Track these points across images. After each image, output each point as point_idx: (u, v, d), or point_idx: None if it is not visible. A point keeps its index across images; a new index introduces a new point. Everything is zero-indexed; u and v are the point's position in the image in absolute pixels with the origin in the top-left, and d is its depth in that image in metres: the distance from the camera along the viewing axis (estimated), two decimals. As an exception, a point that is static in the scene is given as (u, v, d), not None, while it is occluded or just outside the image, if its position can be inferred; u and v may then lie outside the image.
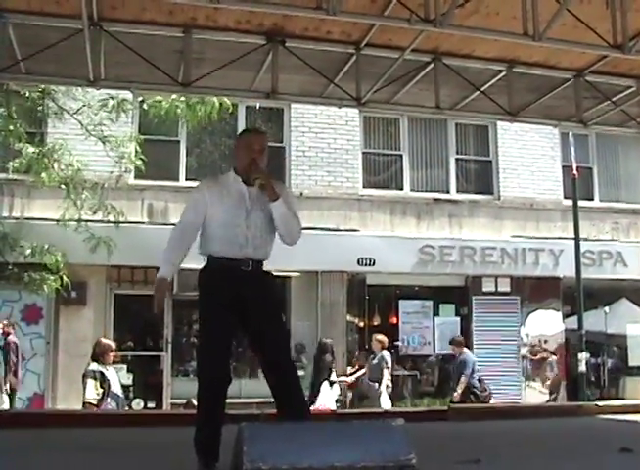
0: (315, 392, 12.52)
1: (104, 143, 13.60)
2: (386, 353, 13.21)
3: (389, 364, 13.18)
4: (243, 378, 15.75)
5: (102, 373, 9.55)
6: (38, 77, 9.68)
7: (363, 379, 13.98)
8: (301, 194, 16.12)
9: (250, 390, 15.06)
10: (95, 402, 9.34)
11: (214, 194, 4.89)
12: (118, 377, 10.52)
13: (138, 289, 15.43)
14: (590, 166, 18.43)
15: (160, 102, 12.95)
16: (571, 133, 16.18)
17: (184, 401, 13.14)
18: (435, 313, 16.88)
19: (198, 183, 5.33)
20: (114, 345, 10.37)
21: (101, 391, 9.42)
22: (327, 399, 12.65)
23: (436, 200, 17.20)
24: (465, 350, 13.76)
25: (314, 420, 4.59)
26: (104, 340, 10.51)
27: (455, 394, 13.04)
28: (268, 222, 4.85)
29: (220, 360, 4.66)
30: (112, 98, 13.06)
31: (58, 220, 13.45)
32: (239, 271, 4.73)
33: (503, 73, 9.80)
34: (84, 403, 9.37)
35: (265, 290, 4.85)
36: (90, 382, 9.43)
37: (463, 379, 13.08)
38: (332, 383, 12.95)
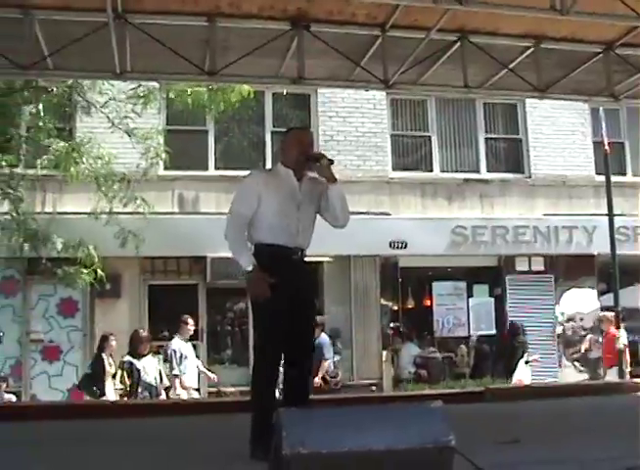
0: (512, 371, 13.63)
1: (130, 136, 13.65)
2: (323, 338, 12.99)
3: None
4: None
5: (131, 364, 9.68)
6: (66, 72, 9.72)
7: None
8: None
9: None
10: (121, 392, 9.49)
11: (268, 185, 5.10)
12: (160, 367, 10.67)
13: (171, 279, 15.55)
14: (622, 141, 18.21)
15: (186, 91, 12.99)
16: (601, 108, 15.98)
17: (217, 390, 13.22)
18: (469, 294, 16.82)
19: (248, 174, 5.47)
20: (146, 335, 10.49)
21: (129, 381, 9.55)
22: (524, 376, 13.55)
23: (467, 180, 17.09)
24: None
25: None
26: (138, 331, 10.66)
27: None
28: (313, 214, 5.21)
29: (279, 347, 4.90)
30: (140, 86, 13.07)
31: (89, 214, 13.53)
32: (290, 259, 4.99)
33: (531, 50, 9.67)
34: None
35: (309, 277, 5.28)
36: (117, 373, 9.60)
37: None
38: (527, 362, 13.91)
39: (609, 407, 7.76)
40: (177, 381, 11.21)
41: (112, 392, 10.56)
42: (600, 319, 14.21)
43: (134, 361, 9.81)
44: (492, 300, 17.04)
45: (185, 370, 11.45)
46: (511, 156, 17.88)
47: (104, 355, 10.97)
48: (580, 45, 9.75)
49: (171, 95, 13.60)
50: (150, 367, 10.16)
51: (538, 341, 16.82)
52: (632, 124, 18.37)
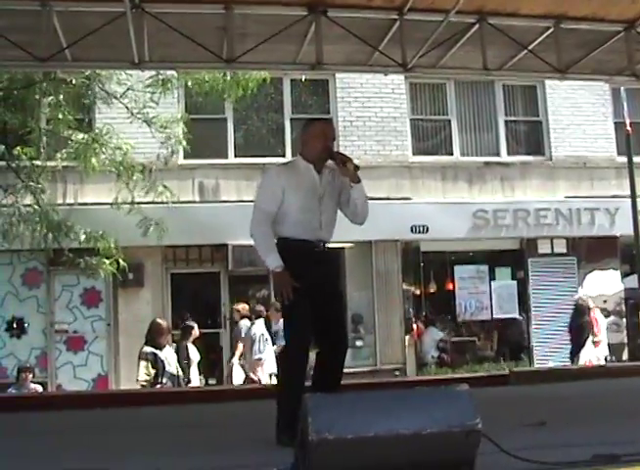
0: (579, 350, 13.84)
1: (149, 125, 13.67)
2: (243, 323, 12.86)
3: (243, 335, 12.68)
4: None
5: (154, 354, 9.73)
6: (84, 63, 9.73)
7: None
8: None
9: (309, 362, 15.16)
10: (146, 384, 9.55)
11: (289, 180, 5.11)
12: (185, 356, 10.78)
13: (193, 267, 15.61)
14: (644, 121, 18.04)
15: (204, 79, 12.99)
16: (622, 88, 15.84)
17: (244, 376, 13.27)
18: (492, 278, 16.77)
19: (268, 170, 5.52)
20: (166, 325, 10.55)
21: (153, 372, 9.61)
22: (591, 356, 13.79)
23: (487, 163, 17.01)
24: None
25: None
26: (158, 320, 10.72)
27: None
28: (335, 206, 5.21)
29: (307, 336, 4.98)
30: (159, 75, 13.09)
31: (111, 204, 13.58)
32: (313, 252, 5.03)
33: (550, 30, 9.57)
34: (141, 385, 9.61)
35: (333, 268, 5.37)
36: (142, 364, 9.67)
37: None
38: (594, 342, 14.08)
39: (631, 390, 7.73)
40: (259, 366, 11.63)
41: (196, 378, 11.34)
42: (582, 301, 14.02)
43: (157, 352, 9.86)
44: (515, 283, 16.98)
45: (267, 355, 11.80)
46: (531, 138, 17.78)
47: (188, 344, 11.56)
48: (601, 24, 9.64)
49: (189, 83, 13.60)
50: (171, 358, 10.22)
51: (562, 323, 16.76)
52: (654, 104, 18.21)
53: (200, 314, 15.95)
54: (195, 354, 11.59)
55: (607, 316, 16.63)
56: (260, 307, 12.48)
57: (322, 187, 5.12)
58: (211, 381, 14.99)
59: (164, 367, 9.80)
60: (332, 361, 5.08)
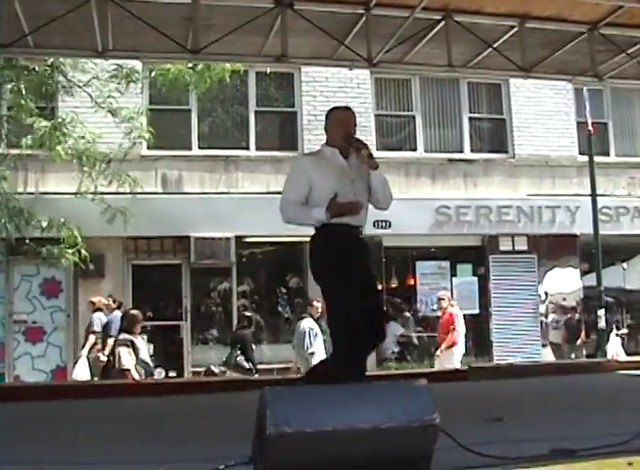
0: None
1: (113, 115, 13.57)
2: (96, 316, 12.76)
3: (95, 327, 12.59)
4: (262, 344, 15.84)
5: (132, 342, 9.73)
6: (47, 50, 9.63)
7: None
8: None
9: (268, 355, 15.19)
10: (132, 369, 9.53)
11: (317, 168, 5.16)
12: (147, 347, 10.78)
13: (155, 259, 15.51)
14: (605, 121, 18.24)
15: (169, 70, 12.91)
16: (585, 88, 16.01)
17: (204, 369, 13.26)
18: (453, 274, 16.85)
19: (296, 159, 5.58)
20: (140, 315, 10.57)
21: (134, 358, 9.62)
22: (618, 348, 14.63)
23: (451, 160, 17.10)
24: None
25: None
26: (132, 311, 10.72)
27: None
28: (367, 190, 5.22)
29: (359, 322, 4.85)
30: (120, 67, 12.99)
31: (74, 193, 13.47)
32: (352, 236, 5.09)
33: (515, 29, 9.65)
34: (122, 371, 9.53)
35: (370, 256, 5.38)
36: (124, 350, 9.64)
37: None
38: (617, 335, 15.04)
39: (588, 386, 7.83)
40: (312, 359, 11.60)
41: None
42: (440, 298, 14.00)
43: (134, 339, 9.86)
44: (476, 279, 17.09)
45: (317, 349, 11.90)
46: (495, 136, 17.88)
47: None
48: (565, 24, 9.74)
49: (153, 74, 13.51)
50: (143, 347, 10.24)
51: (521, 320, 16.93)
52: (616, 105, 18.42)
53: (160, 306, 15.89)
54: None
55: (565, 313, 16.87)
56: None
57: (351, 170, 5.16)
58: (172, 373, 14.91)
59: (138, 355, 9.80)
60: (365, 351, 5.10)
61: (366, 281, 5.07)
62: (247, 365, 12.30)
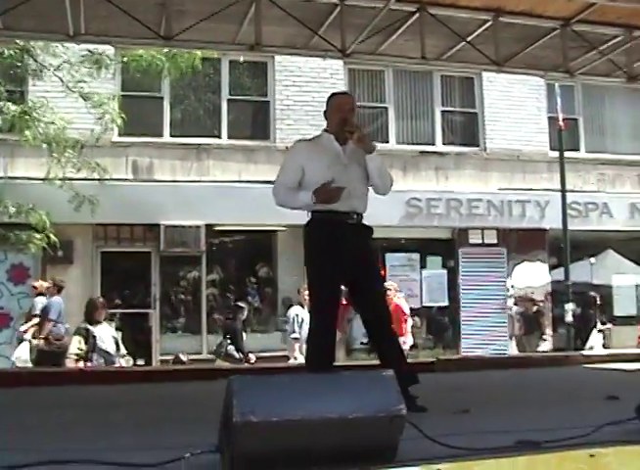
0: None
1: (85, 100, 13.45)
2: (38, 300, 12.62)
3: (36, 311, 12.47)
4: (231, 333, 15.80)
5: (87, 330, 9.67)
6: (17, 33, 9.53)
7: None
8: (287, 148, 16.02)
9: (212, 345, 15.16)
10: (75, 357, 9.48)
11: (311, 153, 5.23)
12: (116, 335, 10.71)
13: (124, 246, 15.41)
14: (576, 117, 18.37)
15: (142, 56, 12.82)
16: (557, 84, 16.10)
17: (172, 357, 13.22)
18: (422, 266, 16.91)
19: (292, 145, 5.61)
20: (101, 301, 10.49)
21: (85, 347, 9.55)
22: (596, 344, 14.62)
23: (422, 152, 17.15)
24: None
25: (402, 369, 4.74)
26: (93, 298, 10.65)
27: None
28: (364, 176, 5.22)
29: (333, 316, 5.10)
30: (90, 52, 12.88)
31: (43, 179, 13.35)
32: (346, 224, 5.07)
33: (489, 23, 9.70)
34: (58, 356, 9.54)
35: (368, 242, 5.28)
36: (75, 338, 9.61)
37: None
38: (599, 330, 15.06)
39: (553, 379, 7.90)
40: (297, 345, 11.93)
41: None
42: (386, 288, 14.01)
43: (90, 328, 9.80)
44: (445, 272, 17.18)
45: (303, 335, 11.89)
46: (467, 129, 17.96)
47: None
48: (538, 20, 9.81)
49: (125, 59, 13.41)
50: (106, 335, 10.16)
51: (490, 313, 17.03)
52: (587, 101, 18.56)
53: (129, 294, 15.81)
54: None
55: (531, 307, 16.98)
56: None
57: (347, 156, 5.17)
58: (140, 361, 14.84)
59: (95, 343, 9.74)
60: (382, 333, 5.20)
61: (364, 264, 5.13)
62: (237, 355, 12.53)
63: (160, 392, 7.01)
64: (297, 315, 12.52)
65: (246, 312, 13.48)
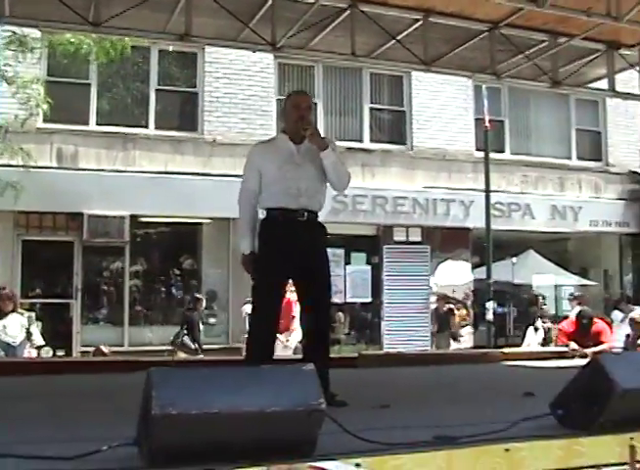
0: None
1: (9, 84, 13.16)
2: None
3: None
4: (154, 325, 15.69)
5: None
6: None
7: None
8: (214, 140, 15.99)
9: (160, 337, 15.03)
10: None
11: (264, 154, 5.34)
12: (30, 326, 10.48)
13: (46, 235, 15.11)
14: (502, 119, 18.69)
15: (70, 42, 12.59)
16: (484, 86, 16.36)
17: (93, 349, 13.03)
18: (347, 262, 16.98)
19: (250, 148, 5.61)
20: (6, 292, 10.28)
21: None
22: (532, 341, 14.48)
23: (350, 149, 17.18)
24: None
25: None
26: None
27: None
28: (319, 174, 5.24)
29: (274, 311, 5.24)
30: (14, 33, 12.58)
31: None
32: (295, 221, 5.13)
33: (419, 23, 9.79)
34: None
35: (318, 241, 5.30)
36: None
37: None
38: (536, 329, 14.85)
39: (472, 375, 8.03)
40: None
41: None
42: None
43: None
44: (369, 268, 17.28)
45: None
46: (394, 127, 18.10)
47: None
48: (467, 22, 9.95)
49: (53, 44, 13.15)
50: (12, 326, 9.96)
51: (412, 310, 17.21)
52: (513, 104, 18.89)
53: (51, 284, 15.54)
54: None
55: (452, 305, 17.20)
56: None
57: (300, 156, 5.22)
58: (60, 352, 14.60)
59: None
60: (317, 339, 5.25)
61: (311, 264, 5.19)
62: (192, 345, 12.73)
63: (78, 383, 6.91)
64: (248, 314, 12.41)
65: (204, 303, 13.48)
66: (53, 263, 15.76)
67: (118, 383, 6.70)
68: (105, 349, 12.61)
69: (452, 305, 16.91)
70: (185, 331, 13.03)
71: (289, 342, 12.67)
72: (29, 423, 4.23)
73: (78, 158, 15.24)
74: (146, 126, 15.91)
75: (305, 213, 5.17)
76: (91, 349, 13.77)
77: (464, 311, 17.41)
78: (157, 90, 16.09)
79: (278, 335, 12.42)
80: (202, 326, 13.18)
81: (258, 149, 5.56)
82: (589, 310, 11.46)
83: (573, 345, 10.19)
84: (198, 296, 13.96)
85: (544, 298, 17.26)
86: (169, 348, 13.34)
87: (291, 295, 13.10)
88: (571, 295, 16.85)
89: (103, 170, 15.14)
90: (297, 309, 13.16)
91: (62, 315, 15.22)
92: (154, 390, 2.80)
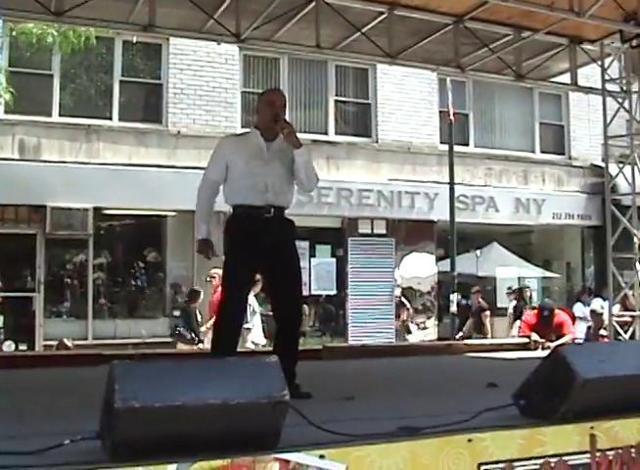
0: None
1: (-31, 73, 13.00)
2: None
3: None
4: (118, 318, 15.59)
5: None
6: None
7: None
8: (179, 132, 15.89)
9: (124, 330, 14.96)
10: None
11: (234, 147, 5.38)
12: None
13: (9, 228, 14.92)
14: (466, 112, 18.77)
15: (32, 31, 12.45)
16: (448, 79, 16.43)
17: (56, 342, 12.92)
18: (312, 254, 16.98)
19: (220, 140, 5.65)
20: None
21: None
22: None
23: (315, 141, 17.16)
24: None
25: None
26: None
27: None
28: (287, 172, 5.30)
29: (239, 305, 5.34)
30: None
31: None
32: (261, 218, 5.16)
33: (384, 16, 9.81)
34: None
35: (285, 236, 5.33)
36: None
37: None
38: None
39: (437, 367, 8.08)
40: (249, 335, 11.93)
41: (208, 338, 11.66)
42: (211, 276, 13.01)
43: None
44: (334, 260, 17.30)
45: (253, 325, 12.20)
46: (359, 119, 18.11)
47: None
48: (432, 15, 9.99)
49: (14, 33, 12.99)
50: None
51: (377, 302, 17.26)
52: (477, 97, 18.98)
53: (13, 277, 15.36)
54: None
55: (417, 297, 17.31)
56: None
57: (270, 153, 5.26)
58: (22, 346, 14.47)
59: None
60: (286, 332, 5.25)
61: (279, 259, 5.21)
62: (188, 335, 12.84)
63: (41, 377, 6.86)
64: (249, 305, 12.43)
65: (202, 296, 13.44)
66: (15, 256, 15.58)
67: (82, 377, 6.65)
68: (68, 342, 12.51)
69: (403, 298, 17.08)
70: (182, 323, 13.31)
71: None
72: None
73: (41, 149, 15.07)
74: (110, 118, 15.76)
75: (272, 210, 5.21)
76: (54, 342, 13.67)
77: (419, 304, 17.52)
78: (120, 82, 15.95)
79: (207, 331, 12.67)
80: (199, 317, 13.23)
81: (229, 141, 5.64)
82: (550, 302, 11.57)
83: (535, 336, 10.28)
84: (196, 289, 13.94)
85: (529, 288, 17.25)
86: (170, 340, 13.68)
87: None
88: (510, 288, 17.07)
89: (66, 162, 14.99)
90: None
91: (24, 309, 15.07)
92: (116, 383, 2.79)
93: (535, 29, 10.33)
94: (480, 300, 16.17)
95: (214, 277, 12.71)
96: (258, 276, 5.90)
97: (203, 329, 12.95)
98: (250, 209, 5.18)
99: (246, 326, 12.39)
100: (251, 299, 12.52)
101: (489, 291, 18.71)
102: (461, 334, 15.46)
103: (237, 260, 5.19)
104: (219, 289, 12.62)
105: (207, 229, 5.37)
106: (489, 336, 15.39)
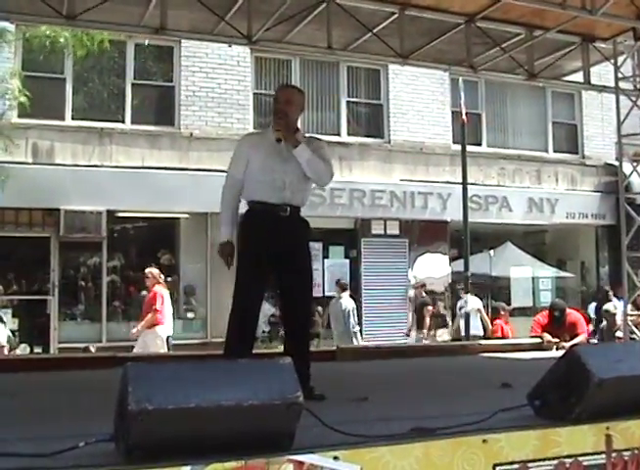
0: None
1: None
2: None
3: None
4: (132, 321, 15.60)
5: None
6: None
7: None
8: (191, 135, 15.92)
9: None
10: None
11: (253, 143, 5.38)
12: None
13: (23, 231, 15.00)
14: (479, 112, 18.74)
15: (47, 35, 12.49)
16: (460, 79, 16.38)
17: (83, 348, 12.94)
18: (325, 256, 16.98)
19: (241, 137, 5.68)
20: None
21: None
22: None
23: (327, 142, 17.12)
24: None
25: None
26: None
27: None
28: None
29: (252, 304, 5.23)
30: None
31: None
32: (277, 216, 5.11)
33: (395, 16, 9.79)
34: None
35: (300, 238, 5.33)
36: None
37: None
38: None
39: (451, 367, 8.05)
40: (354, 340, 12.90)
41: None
42: (145, 276, 12.80)
43: None
44: (347, 261, 17.29)
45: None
46: (371, 120, 18.10)
47: None
48: (444, 15, 9.95)
49: (27, 36, 13.04)
50: None
51: (391, 303, 17.24)
52: (489, 97, 18.95)
53: (27, 280, 15.43)
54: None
55: (431, 298, 17.23)
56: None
57: (287, 149, 5.16)
58: (37, 349, 14.52)
59: None
60: (296, 334, 5.26)
61: (291, 259, 5.18)
62: None
63: (55, 380, 6.87)
64: (353, 308, 13.67)
65: None
66: (29, 260, 15.65)
67: (96, 379, 6.66)
68: (92, 348, 12.55)
69: (427, 301, 17.00)
70: None
71: (159, 336, 12.40)
72: (5, 421, 4.20)
73: (54, 153, 15.14)
74: (122, 121, 15.81)
75: (288, 208, 5.16)
76: (69, 345, 13.74)
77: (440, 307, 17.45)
78: (133, 85, 16.00)
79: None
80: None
81: (248, 138, 5.68)
82: (561, 302, 11.50)
83: (547, 336, 10.21)
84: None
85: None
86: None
87: (158, 287, 12.73)
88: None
89: (79, 166, 15.05)
90: (165, 302, 12.82)
91: (39, 312, 15.13)
92: (130, 385, 2.79)
93: (547, 28, 10.28)
94: (424, 294, 16.06)
95: (148, 277, 12.60)
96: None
97: (134, 330, 12.72)
98: (266, 206, 5.12)
99: (354, 330, 12.87)
100: (351, 301, 12.89)
101: (504, 291, 18.66)
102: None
103: (251, 259, 5.11)
104: (154, 288, 12.50)
105: (230, 231, 5.26)
106: (425, 331, 15.37)
